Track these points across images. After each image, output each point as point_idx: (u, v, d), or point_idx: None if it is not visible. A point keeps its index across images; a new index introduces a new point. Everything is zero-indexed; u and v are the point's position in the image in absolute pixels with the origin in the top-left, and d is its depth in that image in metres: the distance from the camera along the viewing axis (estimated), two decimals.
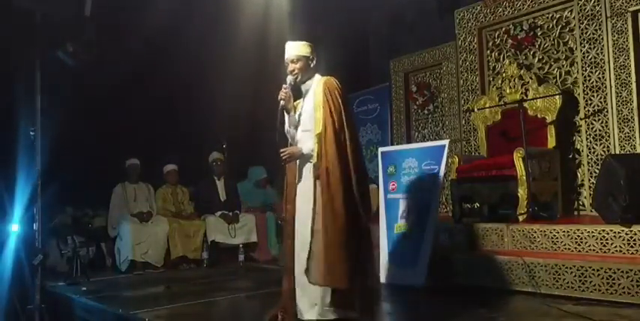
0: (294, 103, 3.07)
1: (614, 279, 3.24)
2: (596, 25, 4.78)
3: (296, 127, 3.03)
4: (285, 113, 3.02)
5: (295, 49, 3.01)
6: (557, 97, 4.88)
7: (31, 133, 4.34)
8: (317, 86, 2.98)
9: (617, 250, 3.53)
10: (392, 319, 3.52)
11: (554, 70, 5.22)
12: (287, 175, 3.09)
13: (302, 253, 2.85)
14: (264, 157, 7.05)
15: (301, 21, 6.81)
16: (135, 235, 5.62)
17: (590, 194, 4.62)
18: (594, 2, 4.80)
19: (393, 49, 7.10)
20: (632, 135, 4.54)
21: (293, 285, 2.94)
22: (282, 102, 2.97)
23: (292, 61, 2.99)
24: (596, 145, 4.77)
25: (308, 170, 2.95)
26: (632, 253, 3.46)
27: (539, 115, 4.97)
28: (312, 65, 3.03)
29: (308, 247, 2.79)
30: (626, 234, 3.51)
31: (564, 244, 3.77)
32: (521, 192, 4.35)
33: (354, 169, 2.88)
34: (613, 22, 4.67)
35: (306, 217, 2.86)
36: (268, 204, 6.72)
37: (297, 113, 3.04)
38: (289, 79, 3.00)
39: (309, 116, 2.97)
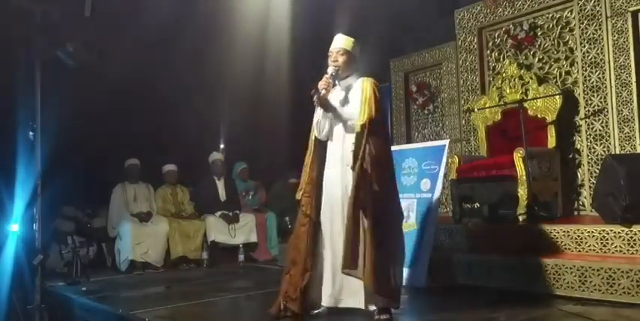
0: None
1: (614, 279, 3.23)
2: (596, 25, 4.78)
3: (325, 120, 3.04)
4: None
5: (343, 43, 3.06)
6: (557, 97, 4.88)
7: (31, 133, 4.34)
8: (363, 83, 3.02)
9: (617, 250, 3.53)
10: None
11: (554, 70, 5.21)
12: (309, 167, 3.10)
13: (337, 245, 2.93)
14: (262, 157, 7.07)
15: (301, 22, 6.81)
16: (135, 235, 5.62)
17: (590, 194, 4.62)
18: (594, 2, 4.80)
19: (393, 49, 7.10)
20: (632, 135, 4.54)
21: (308, 272, 2.99)
22: (323, 91, 2.96)
23: (338, 52, 3.04)
24: (596, 145, 4.76)
25: (339, 159, 2.98)
26: (632, 253, 3.46)
27: (539, 115, 4.97)
28: (352, 65, 3.08)
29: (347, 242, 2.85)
30: (626, 234, 3.51)
31: (564, 244, 3.77)
32: (521, 192, 4.34)
33: (389, 169, 2.99)
34: (613, 22, 4.66)
35: (337, 207, 2.95)
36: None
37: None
38: (331, 69, 3.01)
39: (354, 110, 2.98)
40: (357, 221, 2.81)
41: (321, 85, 2.96)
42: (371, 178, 2.84)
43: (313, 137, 3.12)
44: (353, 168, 2.87)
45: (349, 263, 2.80)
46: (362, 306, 3.00)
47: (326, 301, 3.06)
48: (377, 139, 2.91)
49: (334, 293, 3.03)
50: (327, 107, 2.98)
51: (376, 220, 2.83)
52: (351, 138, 2.96)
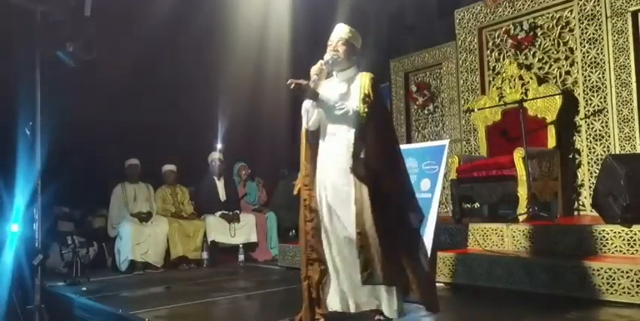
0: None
1: (614, 279, 3.24)
2: (596, 25, 4.79)
3: (315, 108, 2.86)
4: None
5: (346, 33, 2.92)
6: (557, 97, 4.88)
7: (27, 131, 4.34)
8: (361, 78, 2.88)
9: (617, 250, 3.53)
10: None
11: (554, 70, 5.22)
12: (304, 159, 2.95)
13: (345, 248, 2.78)
14: (262, 157, 7.08)
15: (301, 21, 6.81)
16: (135, 235, 5.61)
17: (590, 194, 4.62)
18: (594, 2, 4.80)
19: (393, 49, 7.10)
20: (632, 135, 4.54)
21: (323, 273, 2.83)
22: (314, 77, 2.82)
23: (338, 42, 2.89)
24: (596, 145, 4.77)
25: (337, 158, 2.81)
26: (632, 253, 3.47)
27: (539, 115, 4.98)
28: (354, 57, 2.94)
29: (357, 247, 2.71)
30: (626, 234, 3.51)
31: (564, 244, 3.77)
32: (521, 192, 4.35)
33: (398, 169, 2.86)
34: (613, 22, 4.67)
35: (340, 210, 2.78)
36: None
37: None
38: (327, 56, 2.87)
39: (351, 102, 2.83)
40: (378, 229, 2.67)
41: (314, 70, 2.84)
42: (379, 177, 2.70)
43: (304, 128, 2.96)
44: (354, 169, 2.72)
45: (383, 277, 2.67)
46: (381, 308, 2.78)
47: (336, 305, 2.85)
48: (380, 132, 2.80)
49: (345, 296, 2.84)
50: (310, 94, 2.79)
51: (384, 220, 2.69)
52: (347, 133, 2.81)
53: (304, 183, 2.91)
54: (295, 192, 2.99)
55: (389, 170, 2.80)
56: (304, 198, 2.91)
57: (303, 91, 2.78)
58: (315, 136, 2.96)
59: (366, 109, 2.76)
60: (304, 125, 2.93)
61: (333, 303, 2.86)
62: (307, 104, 2.88)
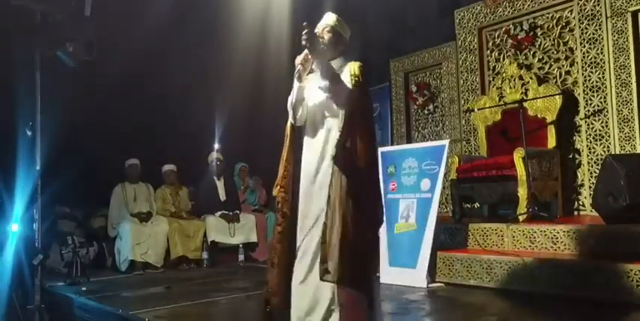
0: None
1: (614, 279, 3.24)
2: (596, 25, 4.79)
3: (300, 102, 2.73)
4: (296, 81, 2.71)
5: (333, 20, 2.82)
6: (557, 97, 4.88)
7: (28, 131, 4.34)
8: (351, 66, 2.73)
9: (616, 250, 3.53)
10: (391, 319, 3.52)
11: (554, 70, 5.22)
12: (285, 159, 2.82)
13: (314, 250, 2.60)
14: (262, 157, 7.07)
15: (300, 22, 6.80)
16: (135, 235, 5.62)
17: (590, 194, 4.62)
18: (594, 2, 4.80)
19: (393, 49, 7.10)
20: (632, 135, 4.54)
21: (283, 281, 2.68)
22: (299, 66, 2.69)
23: (324, 29, 2.78)
24: (596, 145, 4.77)
25: (321, 146, 2.67)
26: (632, 253, 3.46)
27: (539, 115, 4.98)
28: (340, 47, 2.80)
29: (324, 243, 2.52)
30: (626, 234, 3.51)
31: (564, 244, 3.77)
32: (521, 192, 4.35)
33: (376, 167, 2.81)
34: (613, 22, 4.67)
35: (315, 199, 2.63)
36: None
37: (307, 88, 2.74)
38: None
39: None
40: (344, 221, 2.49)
41: (299, 59, 2.70)
42: (360, 171, 2.56)
43: (289, 124, 2.80)
44: (337, 158, 2.56)
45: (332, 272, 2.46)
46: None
47: (295, 316, 2.63)
48: (367, 121, 2.68)
49: (304, 307, 2.62)
50: (317, 50, 2.62)
51: (356, 213, 2.51)
52: (333, 128, 2.66)
53: (281, 185, 2.79)
54: (274, 193, 2.84)
55: (369, 166, 2.66)
56: (278, 201, 2.80)
57: (312, 44, 2.60)
58: (300, 134, 2.82)
59: (356, 86, 2.65)
60: (290, 120, 2.78)
61: (293, 313, 2.65)
62: (291, 99, 2.74)
